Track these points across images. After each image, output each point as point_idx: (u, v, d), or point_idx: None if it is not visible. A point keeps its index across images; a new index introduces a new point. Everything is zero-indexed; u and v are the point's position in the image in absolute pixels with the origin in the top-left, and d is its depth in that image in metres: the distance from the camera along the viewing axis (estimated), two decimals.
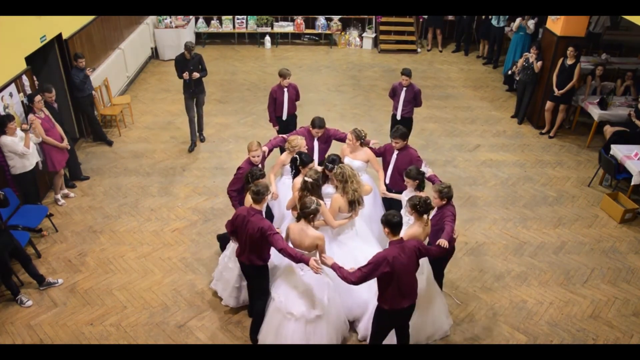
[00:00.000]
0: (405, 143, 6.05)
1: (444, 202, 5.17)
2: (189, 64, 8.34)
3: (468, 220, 7.43)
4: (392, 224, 4.43)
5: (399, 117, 8.00)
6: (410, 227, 5.00)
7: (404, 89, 7.80)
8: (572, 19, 8.95)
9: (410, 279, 4.56)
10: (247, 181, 5.41)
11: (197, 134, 9.10)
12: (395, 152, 6.12)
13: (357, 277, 4.42)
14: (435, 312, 5.38)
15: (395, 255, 4.39)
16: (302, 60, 13.09)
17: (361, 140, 6.28)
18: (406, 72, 7.73)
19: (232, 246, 5.57)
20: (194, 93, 8.58)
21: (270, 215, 6.20)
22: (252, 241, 4.96)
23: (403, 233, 5.14)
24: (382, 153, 6.35)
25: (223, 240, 6.59)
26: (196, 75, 8.35)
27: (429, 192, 5.36)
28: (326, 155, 6.06)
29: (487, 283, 6.37)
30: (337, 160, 5.74)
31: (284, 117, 7.89)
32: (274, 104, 7.75)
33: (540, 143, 9.53)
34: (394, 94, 8.04)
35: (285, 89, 7.67)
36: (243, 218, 5.01)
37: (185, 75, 8.27)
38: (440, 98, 11.19)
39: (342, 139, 6.56)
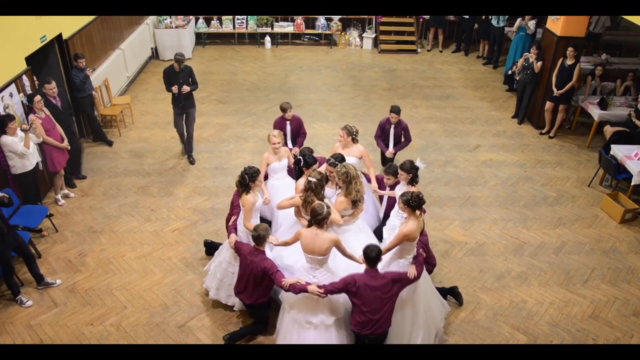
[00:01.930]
0: (396, 180, 6.06)
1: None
2: (178, 77, 7.98)
3: (468, 220, 7.43)
4: (369, 258, 4.68)
5: (392, 149, 7.65)
6: (405, 224, 5.04)
7: (392, 126, 7.47)
8: (572, 19, 8.95)
9: (381, 308, 4.69)
10: (243, 182, 5.37)
11: (186, 153, 8.71)
12: (388, 188, 6.17)
13: (329, 291, 4.75)
14: (434, 311, 5.42)
15: (366, 282, 4.64)
16: (302, 61, 13.09)
17: (352, 135, 6.38)
18: (395, 110, 7.34)
19: (230, 252, 5.56)
20: (184, 108, 8.20)
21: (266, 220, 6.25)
22: (255, 280, 5.05)
23: (394, 232, 5.31)
24: (376, 184, 6.38)
25: (210, 248, 6.63)
26: (186, 89, 8.00)
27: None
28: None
29: (487, 283, 6.37)
30: (339, 157, 5.82)
31: (289, 146, 7.73)
32: None
33: (540, 143, 9.53)
34: (381, 131, 7.59)
35: (288, 122, 7.38)
36: (245, 257, 5.11)
37: (174, 89, 7.94)
38: (440, 98, 11.20)
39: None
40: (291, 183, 6.40)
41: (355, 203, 5.47)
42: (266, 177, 6.52)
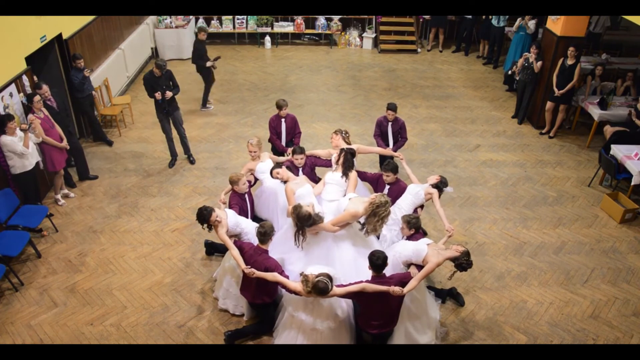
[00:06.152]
0: (396, 177, 6.10)
1: (412, 232, 5.34)
2: (160, 82, 7.89)
3: (468, 220, 7.43)
4: (375, 265, 4.68)
5: (392, 148, 7.51)
6: (442, 253, 4.97)
7: (390, 123, 7.39)
8: (572, 19, 8.95)
9: (390, 310, 4.75)
10: (203, 222, 5.35)
11: (185, 155, 8.69)
12: (387, 187, 6.17)
13: (336, 294, 4.73)
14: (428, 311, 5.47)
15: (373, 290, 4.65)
16: (302, 60, 13.09)
17: (341, 134, 6.57)
18: (391, 107, 7.30)
19: (233, 261, 5.54)
20: (168, 113, 8.13)
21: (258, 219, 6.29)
22: (258, 279, 5.01)
23: (397, 226, 5.56)
24: (375, 181, 6.35)
25: (210, 248, 6.64)
26: (169, 94, 7.95)
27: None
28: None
29: (487, 283, 6.37)
30: (352, 150, 6.08)
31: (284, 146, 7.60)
32: (275, 133, 7.50)
33: (540, 143, 9.53)
34: (380, 130, 7.50)
35: (283, 120, 7.42)
36: (250, 256, 5.08)
37: (158, 95, 7.85)
38: (440, 98, 11.20)
39: (324, 165, 6.56)
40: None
41: (363, 227, 5.33)
42: (256, 181, 6.61)
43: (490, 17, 12.34)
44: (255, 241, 5.26)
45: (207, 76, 10.19)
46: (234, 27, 13.82)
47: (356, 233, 5.57)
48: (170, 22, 12.76)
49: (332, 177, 5.90)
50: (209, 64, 9.93)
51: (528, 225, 7.38)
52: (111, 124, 9.74)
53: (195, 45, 10.05)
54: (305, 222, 5.08)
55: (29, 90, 7.31)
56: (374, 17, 14.06)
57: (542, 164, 8.85)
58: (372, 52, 13.86)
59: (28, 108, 7.12)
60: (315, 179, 6.50)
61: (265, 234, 5.02)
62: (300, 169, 6.46)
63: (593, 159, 8.82)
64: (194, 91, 11.07)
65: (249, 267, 4.97)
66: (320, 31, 14.08)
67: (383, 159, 7.46)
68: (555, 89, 9.23)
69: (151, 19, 12.71)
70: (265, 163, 6.44)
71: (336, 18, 13.96)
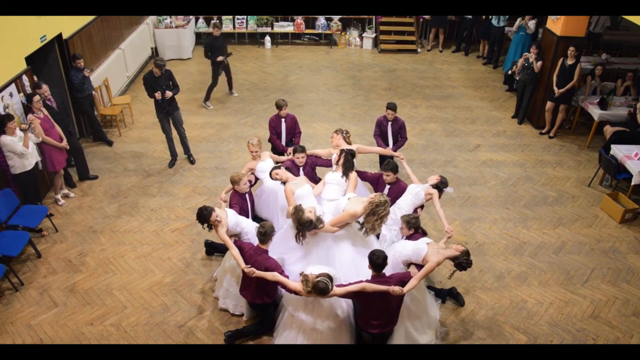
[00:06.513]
0: (396, 177, 6.12)
1: (411, 232, 5.35)
2: (159, 82, 7.88)
3: (468, 220, 7.43)
4: (375, 264, 4.68)
5: (392, 146, 7.52)
6: (443, 252, 4.97)
7: (390, 123, 7.38)
8: (572, 19, 8.95)
9: (390, 309, 4.76)
10: (203, 220, 5.33)
11: (185, 155, 8.68)
12: (387, 187, 6.17)
13: (337, 294, 4.72)
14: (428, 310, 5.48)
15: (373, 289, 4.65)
16: (302, 60, 13.10)
17: (342, 134, 6.57)
18: (391, 107, 7.29)
19: (233, 261, 5.54)
20: (168, 112, 8.13)
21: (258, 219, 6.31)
22: (258, 279, 5.01)
23: (396, 226, 5.54)
24: (375, 181, 6.35)
25: (210, 248, 6.64)
26: (169, 94, 7.94)
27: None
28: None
29: (487, 283, 6.37)
30: (352, 151, 6.08)
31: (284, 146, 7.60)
32: (275, 133, 7.49)
33: (540, 143, 9.53)
34: (379, 129, 7.48)
35: (283, 120, 7.42)
36: (250, 256, 5.08)
37: (158, 95, 7.85)
38: (440, 98, 11.20)
39: (325, 165, 6.56)
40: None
41: (362, 227, 5.34)
42: (257, 180, 6.61)
43: (490, 17, 12.34)
44: (255, 241, 5.26)
45: (216, 72, 10.34)
46: (234, 27, 13.82)
47: (356, 233, 5.56)
48: (170, 22, 12.76)
49: (332, 177, 5.91)
50: (219, 58, 10.05)
51: (528, 225, 7.38)
52: (111, 124, 9.74)
53: (206, 40, 10.36)
54: (306, 228, 5.09)
55: (29, 90, 7.31)
56: (374, 17, 14.06)
57: (542, 164, 8.85)
58: (372, 52, 13.86)
59: (28, 108, 7.12)
60: (316, 179, 6.50)
61: (266, 234, 5.02)
62: (301, 169, 6.46)
63: (593, 159, 8.82)
64: (194, 91, 11.07)
65: (249, 266, 4.97)
66: (320, 31, 14.08)
67: (383, 158, 7.46)
68: (555, 89, 9.23)
69: (151, 19, 12.71)
70: (266, 162, 6.45)
71: (336, 18, 13.96)
